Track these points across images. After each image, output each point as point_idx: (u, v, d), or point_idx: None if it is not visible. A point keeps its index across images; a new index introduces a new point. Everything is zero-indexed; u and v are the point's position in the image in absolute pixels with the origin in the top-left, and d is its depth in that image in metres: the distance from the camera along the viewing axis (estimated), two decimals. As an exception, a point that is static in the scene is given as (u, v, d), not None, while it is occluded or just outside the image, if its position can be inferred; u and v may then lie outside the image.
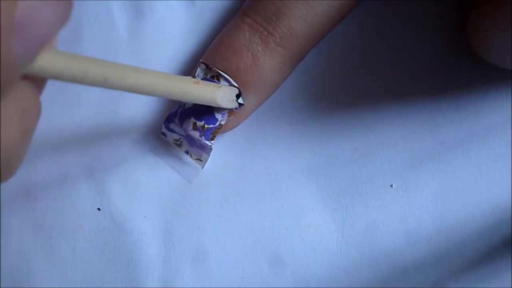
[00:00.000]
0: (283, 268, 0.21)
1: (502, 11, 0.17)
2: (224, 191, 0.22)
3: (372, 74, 0.21)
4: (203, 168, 0.21)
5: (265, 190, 0.22)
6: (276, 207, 0.22)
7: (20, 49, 0.12)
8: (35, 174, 0.22)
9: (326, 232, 0.21)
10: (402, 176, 0.21)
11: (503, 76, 0.21)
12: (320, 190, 0.22)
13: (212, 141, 0.20)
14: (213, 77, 0.20)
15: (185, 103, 0.20)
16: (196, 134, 0.20)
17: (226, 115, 0.20)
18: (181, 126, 0.20)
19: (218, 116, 0.20)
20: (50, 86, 0.22)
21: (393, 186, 0.21)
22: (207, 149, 0.20)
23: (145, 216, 0.22)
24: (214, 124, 0.20)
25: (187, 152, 0.21)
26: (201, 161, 0.21)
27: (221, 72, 0.19)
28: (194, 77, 0.20)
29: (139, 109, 0.22)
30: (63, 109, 0.22)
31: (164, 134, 0.21)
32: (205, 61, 0.20)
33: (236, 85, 0.19)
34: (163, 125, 0.21)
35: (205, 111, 0.20)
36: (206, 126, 0.20)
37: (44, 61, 0.13)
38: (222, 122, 0.20)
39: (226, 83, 0.19)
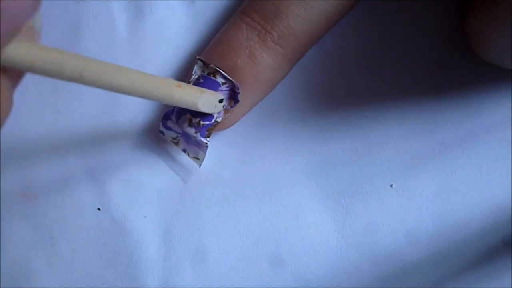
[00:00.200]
0: (283, 268, 0.21)
1: (499, 10, 0.17)
2: (223, 191, 0.22)
3: (372, 74, 0.22)
4: (203, 168, 0.21)
5: (265, 190, 0.22)
6: (276, 207, 0.22)
7: None
8: (35, 174, 0.22)
9: (326, 232, 0.21)
10: (402, 176, 0.21)
11: (503, 75, 0.21)
12: (320, 190, 0.22)
13: (208, 139, 0.20)
14: (210, 74, 0.20)
15: None
16: (191, 131, 0.20)
17: (222, 112, 0.20)
18: (178, 123, 0.20)
19: (214, 113, 0.20)
20: (50, 86, 0.22)
21: (393, 186, 0.21)
22: (203, 147, 0.20)
23: (145, 216, 0.22)
24: (209, 121, 0.20)
25: (184, 151, 0.21)
26: (198, 159, 0.21)
27: (218, 69, 0.19)
28: (191, 74, 0.20)
29: (139, 109, 0.22)
30: (63, 109, 0.22)
31: (162, 132, 0.21)
32: (203, 58, 0.20)
33: (233, 81, 0.19)
34: (161, 123, 0.21)
35: None
36: (201, 123, 0.20)
37: (16, 52, 0.13)
38: (218, 120, 0.20)
39: (223, 80, 0.19)
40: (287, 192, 0.22)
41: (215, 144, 0.22)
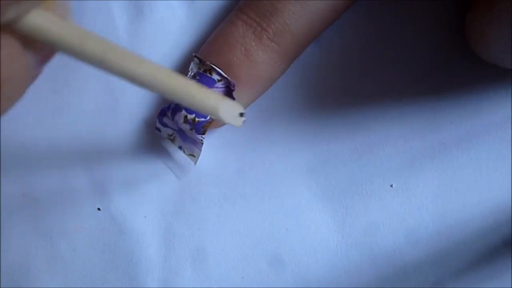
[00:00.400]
0: (283, 268, 0.21)
1: (498, 10, 0.17)
2: (223, 191, 0.22)
3: (372, 74, 0.22)
4: (203, 168, 0.21)
5: (265, 190, 0.22)
6: (276, 207, 0.22)
7: None
8: (35, 174, 0.22)
9: (326, 232, 0.21)
10: (402, 176, 0.21)
11: (503, 75, 0.21)
12: (320, 190, 0.22)
13: (203, 136, 0.20)
14: (206, 71, 0.20)
15: None
16: (186, 127, 0.20)
17: None
18: (173, 120, 0.20)
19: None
20: (50, 86, 0.22)
21: (393, 186, 0.21)
22: (198, 144, 0.20)
23: (145, 216, 0.22)
24: (205, 118, 0.20)
25: (180, 148, 0.21)
26: (194, 156, 0.21)
27: (213, 66, 0.19)
28: (188, 71, 0.20)
29: (140, 109, 0.22)
30: (63, 109, 0.22)
31: (158, 129, 0.21)
32: (200, 55, 0.20)
33: (229, 78, 0.19)
34: (157, 120, 0.21)
35: None
36: (197, 119, 0.20)
37: (40, 20, 0.13)
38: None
39: (219, 77, 0.19)
40: (287, 192, 0.22)
41: (215, 144, 0.22)
